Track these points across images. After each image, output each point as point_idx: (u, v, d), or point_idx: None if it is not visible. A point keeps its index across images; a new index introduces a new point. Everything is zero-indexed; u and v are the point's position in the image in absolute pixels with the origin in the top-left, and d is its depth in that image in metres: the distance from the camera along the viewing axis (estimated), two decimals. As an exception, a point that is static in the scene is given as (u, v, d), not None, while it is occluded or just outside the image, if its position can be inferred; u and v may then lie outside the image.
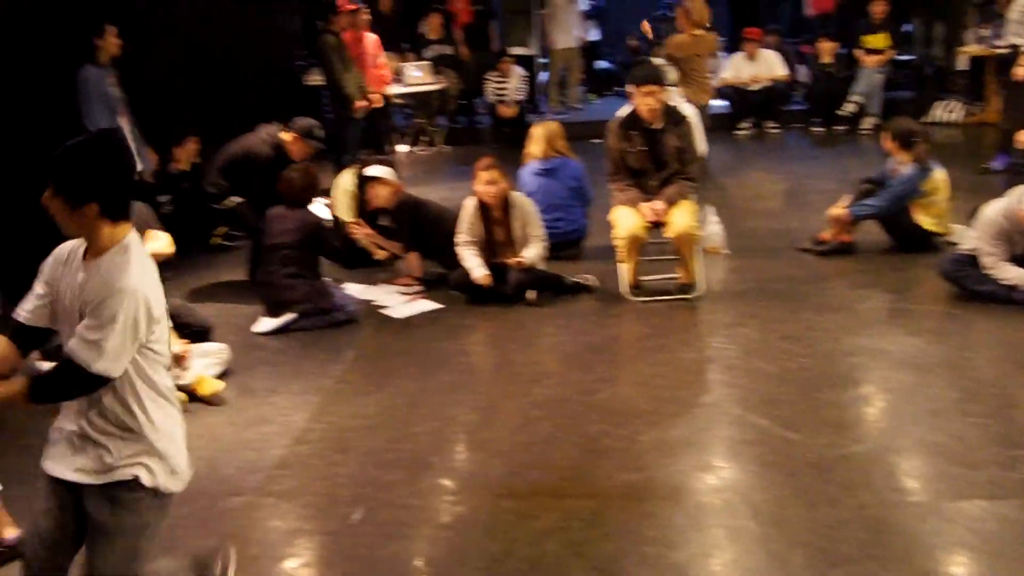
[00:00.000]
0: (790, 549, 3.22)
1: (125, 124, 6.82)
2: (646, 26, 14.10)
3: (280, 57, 11.07)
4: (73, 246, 2.58)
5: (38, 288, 2.61)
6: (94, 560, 2.57)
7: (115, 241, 2.49)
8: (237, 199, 6.55)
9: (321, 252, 5.99)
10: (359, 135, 9.17)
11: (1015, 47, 8.21)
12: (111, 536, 2.57)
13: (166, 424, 2.63)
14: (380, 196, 6.61)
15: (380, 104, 9.72)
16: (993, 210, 5.31)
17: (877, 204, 6.28)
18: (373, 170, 6.67)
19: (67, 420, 2.58)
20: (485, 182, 5.93)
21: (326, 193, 7.10)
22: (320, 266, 6.02)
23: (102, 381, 2.42)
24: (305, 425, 4.47)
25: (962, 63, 11.05)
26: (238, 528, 3.63)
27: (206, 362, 4.94)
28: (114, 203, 2.47)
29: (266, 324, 5.73)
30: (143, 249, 2.56)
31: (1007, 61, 8.42)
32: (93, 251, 2.50)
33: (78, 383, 2.42)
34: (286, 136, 6.59)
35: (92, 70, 6.59)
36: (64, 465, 2.57)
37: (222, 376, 4.99)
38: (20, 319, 2.60)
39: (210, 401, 4.75)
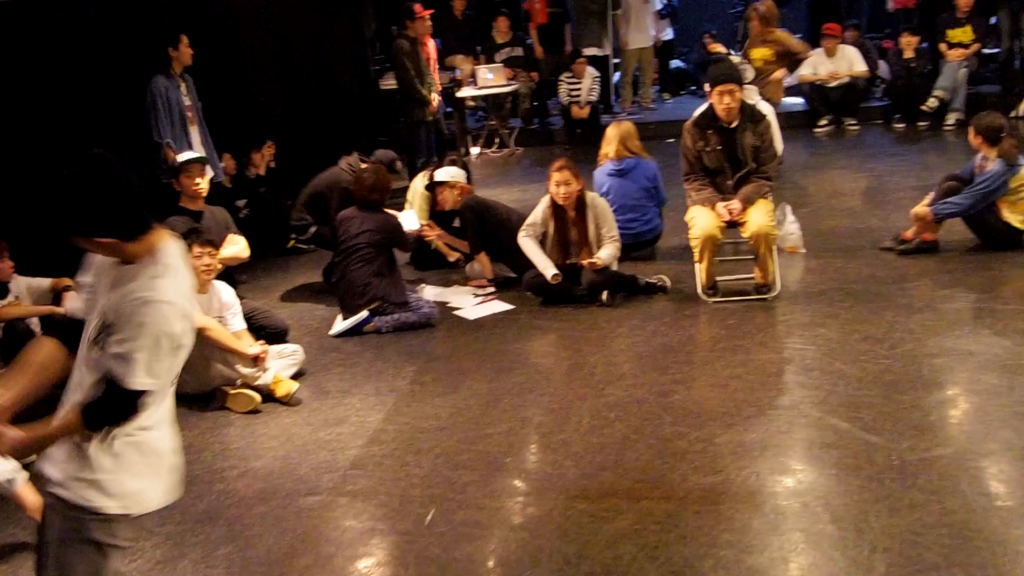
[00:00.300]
0: (872, 555, 3.13)
1: (196, 133, 6.93)
2: (710, 41, 13.97)
3: (356, 61, 11.21)
4: None
5: (85, 279, 2.57)
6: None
7: (143, 252, 2.40)
8: (317, 226, 6.69)
9: (400, 248, 6.14)
10: (432, 138, 9.25)
11: None
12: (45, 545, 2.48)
13: (133, 459, 2.46)
14: (448, 199, 6.66)
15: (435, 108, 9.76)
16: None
17: (962, 202, 6.09)
18: (440, 174, 6.73)
19: None
20: (556, 183, 5.91)
21: (398, 193, 7.17)
22: (397, 266, 6.09)
23: (142, 396, 2.34)
24: (379, 426, 4.51)
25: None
26: (312, 527, 3.67)
27: (282, 363, 5.02)
28: (126, 227, 2.36)
29: (342, 325, 5.80)
30: (179, 259, 2.46)
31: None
32: (126, 260, 2.43)
33: (121, 402, 2.33)
34: (358, 179, 6.68)
35: (162, 81, 6.69)
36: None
37: (296, 377, 5.07)
38: (77, 315, 2.54)
39: (286, 401, 4.82)
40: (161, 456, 2.54)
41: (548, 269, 5.91)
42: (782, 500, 3.56)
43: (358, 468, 4.11)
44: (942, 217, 6.18)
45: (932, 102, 10.67)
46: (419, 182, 7.27)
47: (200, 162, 5.87)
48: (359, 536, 3.63)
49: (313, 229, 6.77)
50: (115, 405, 2.34)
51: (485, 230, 6.46)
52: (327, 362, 5.39)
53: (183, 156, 5.98)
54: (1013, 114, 10.32)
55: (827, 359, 4.81)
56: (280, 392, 4.84)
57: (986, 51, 11.42)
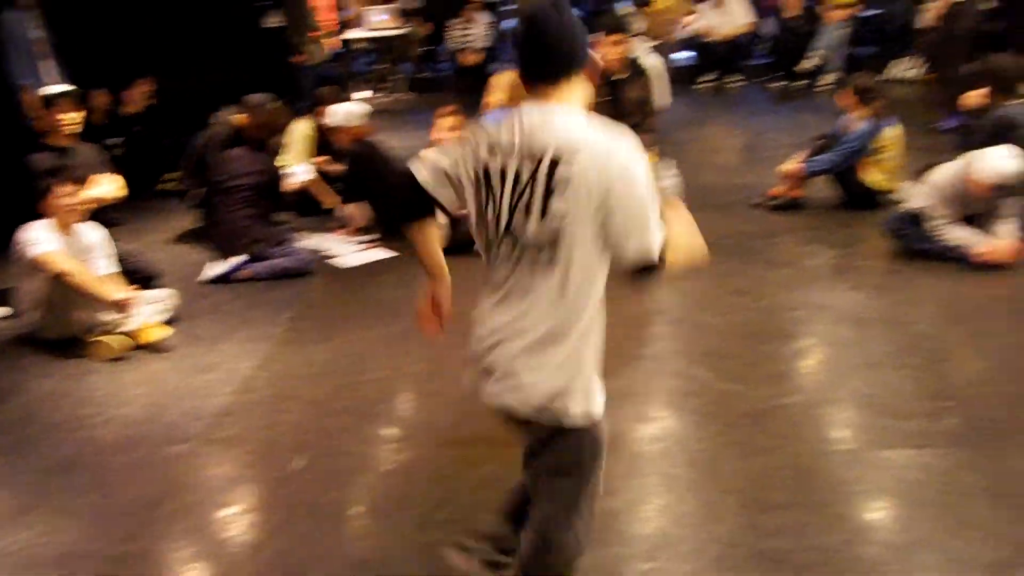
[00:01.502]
0: (722, 496, 3.30)
1: (51, 68, 6.62)
2: None
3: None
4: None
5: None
6: None
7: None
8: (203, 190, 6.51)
9: (274, 199, 5.96)
10: (315, 80, 9.03)
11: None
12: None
13: None
14: (342, 140, 6.57)
15: (316, 59, 9.49)
16: (945, 173, 5.38)
17: (830, 159, 6.33)
18: (335, 117, 6.58)
19: None
20: (448, 128, 5.89)
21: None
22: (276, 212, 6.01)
23: None
24: (251, 373, 4.48)
25: (924, 21, 11.07)
26: (179, 475, 3.65)
27: (153, 308, 4.93)
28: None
29: (216, 268, 5.71)
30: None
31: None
32: None
33: None
34: (241, 117, 6.52)
35: (11, 15, 6.36)
36: None
37: (168, 323, 4.98)
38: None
39: (156, 348, 4.74)
40: None
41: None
42: (642, 445, 3.70)
43: (228, 415, 4.09)
44: (812, 174, 6.41)
45: (811, 61, 10.98)
46: (301, 126, 7.14)
47: (71, 96, 5.64)
48: (226, 483, 3.62)
49: (200, 191, 6.57)
50: None
51: (367, 179, 6.39)
52: (200, 308, 5.31)
53: (52, 89, 5.73)
54: (885, 76, 10.72)
55: (694, 311, 4.98)
56: (150, 338, 4.75)
57: (865, 14, 11.77)
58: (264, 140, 5.99)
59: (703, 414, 3.90)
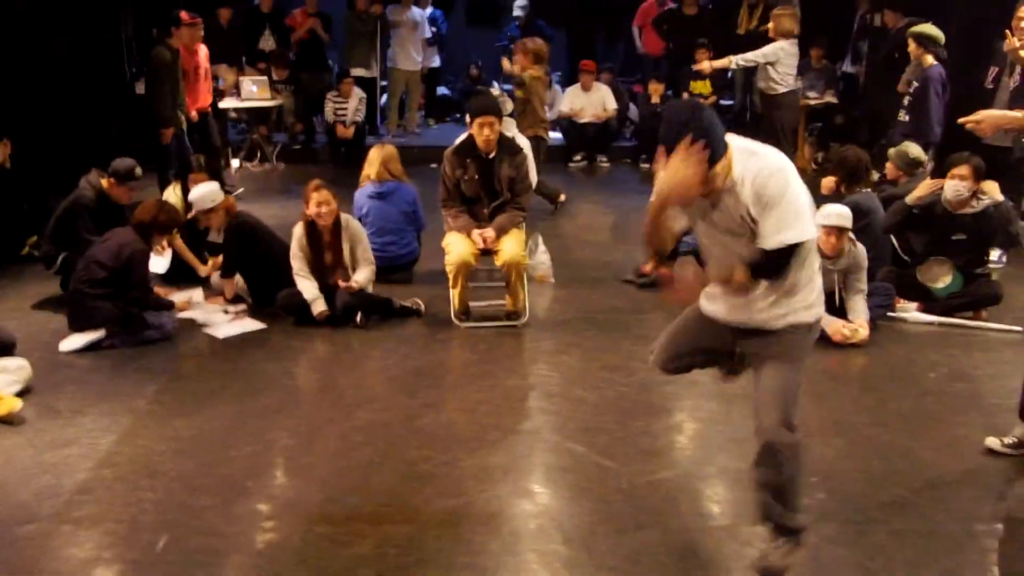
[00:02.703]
0: (596, 574, 3.31)
1: None
2: (475, 71, 14.39)
3: (111, 61, 10.60)
4: None
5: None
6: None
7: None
8: (63, 254, 6.26)
9: (130, 286, 5.63)
10: (184, 149, 8.78)
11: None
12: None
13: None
14: (215, 221, 6.39)
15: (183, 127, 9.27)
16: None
17: (696, 239, 6.56)
18: (196, 201, 6.35)
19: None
20: (317, 203, 5.85)
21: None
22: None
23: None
24: (112, 448, 4.27)
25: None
26: (29, 558, 3.42)
27: (5, 379, 4.67)
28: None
29: (73, 341, 5.45)
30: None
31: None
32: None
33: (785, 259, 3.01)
34: (105, 182, 6.37)
35: None
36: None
37: (22, 394, 4.71)
38: None
39: (7, 421, 4.47)
40: None
41: (317, 304, 5.84)
42: (519, 522, 3.69)
43: (85, 493, 3.87)
44: (680, 252, 6.62)
45: (675, 146, 11.45)
46: (171, 194, 6.99)
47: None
48: (81, 566, 3.40)
49: (62, 257, 6.30)
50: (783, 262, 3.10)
51: (246, 254, 6.24)
52: (59, 379, 5.05)
53: None
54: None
55: (569, 386, 5.04)
56: (1, 411, 4.48)
57: (723, 102, 12.40)
58: (139, 227, 5.74)
59: (579, 490, 3.93)
